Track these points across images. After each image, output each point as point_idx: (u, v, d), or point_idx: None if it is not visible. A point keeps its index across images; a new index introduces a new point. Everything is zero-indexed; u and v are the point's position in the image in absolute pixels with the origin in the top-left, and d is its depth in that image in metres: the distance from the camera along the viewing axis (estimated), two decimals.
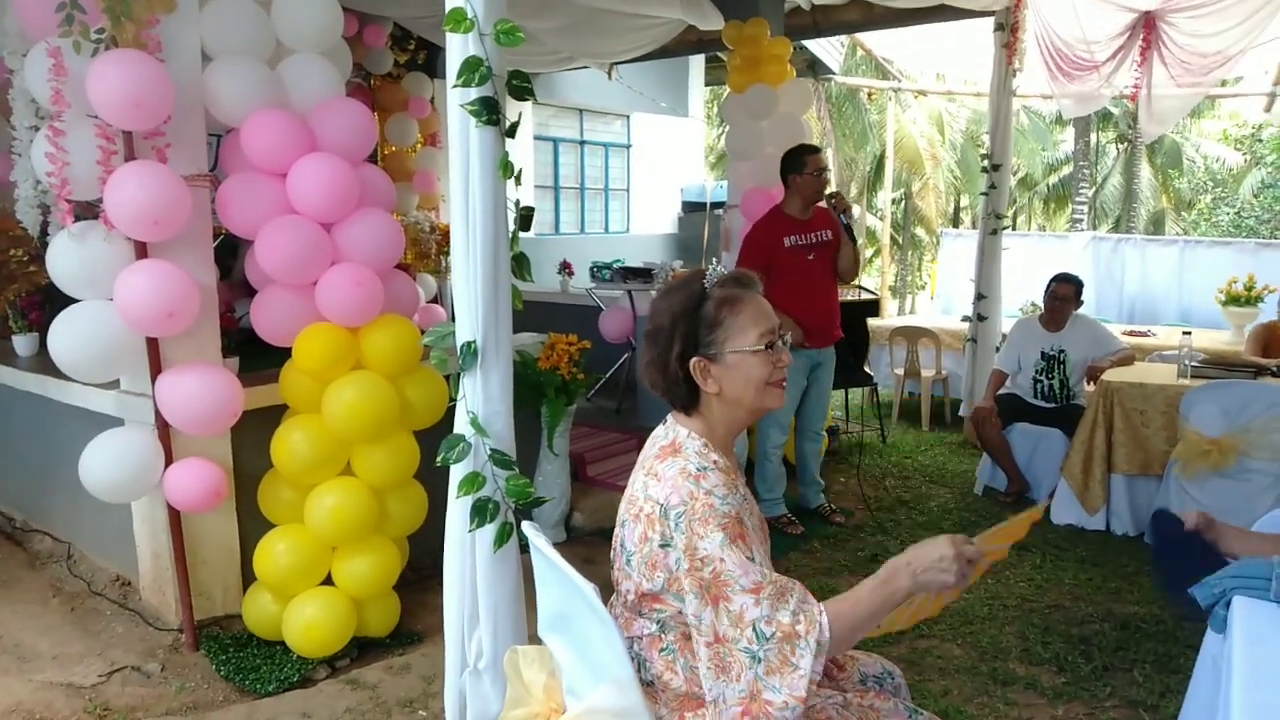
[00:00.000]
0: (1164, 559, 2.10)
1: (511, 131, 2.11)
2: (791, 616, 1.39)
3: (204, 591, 3.19)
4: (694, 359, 1.55)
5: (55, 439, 3.75)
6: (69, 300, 2.92)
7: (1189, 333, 4.84)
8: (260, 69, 3.02)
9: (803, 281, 4.21)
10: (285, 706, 2.84)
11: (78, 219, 2.83)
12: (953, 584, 1.46)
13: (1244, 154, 19.80)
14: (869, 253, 18.90)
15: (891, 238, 15.68)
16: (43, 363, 3.26)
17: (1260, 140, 18.48)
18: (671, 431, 1.61)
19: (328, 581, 3.09)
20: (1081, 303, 4.99)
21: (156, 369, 2.95)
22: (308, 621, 2.97)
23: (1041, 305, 5.09)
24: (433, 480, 2.76)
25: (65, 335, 2.84)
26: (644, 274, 6.30)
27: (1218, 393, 4.02)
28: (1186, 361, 4.43)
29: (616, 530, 1.61)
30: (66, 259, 2.84)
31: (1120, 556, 4.07)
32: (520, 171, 2.18)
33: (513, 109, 2.13)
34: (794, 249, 4.21)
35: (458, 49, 2.02)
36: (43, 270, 3.08)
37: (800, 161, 4.21)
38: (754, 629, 1.38)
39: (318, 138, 3.03)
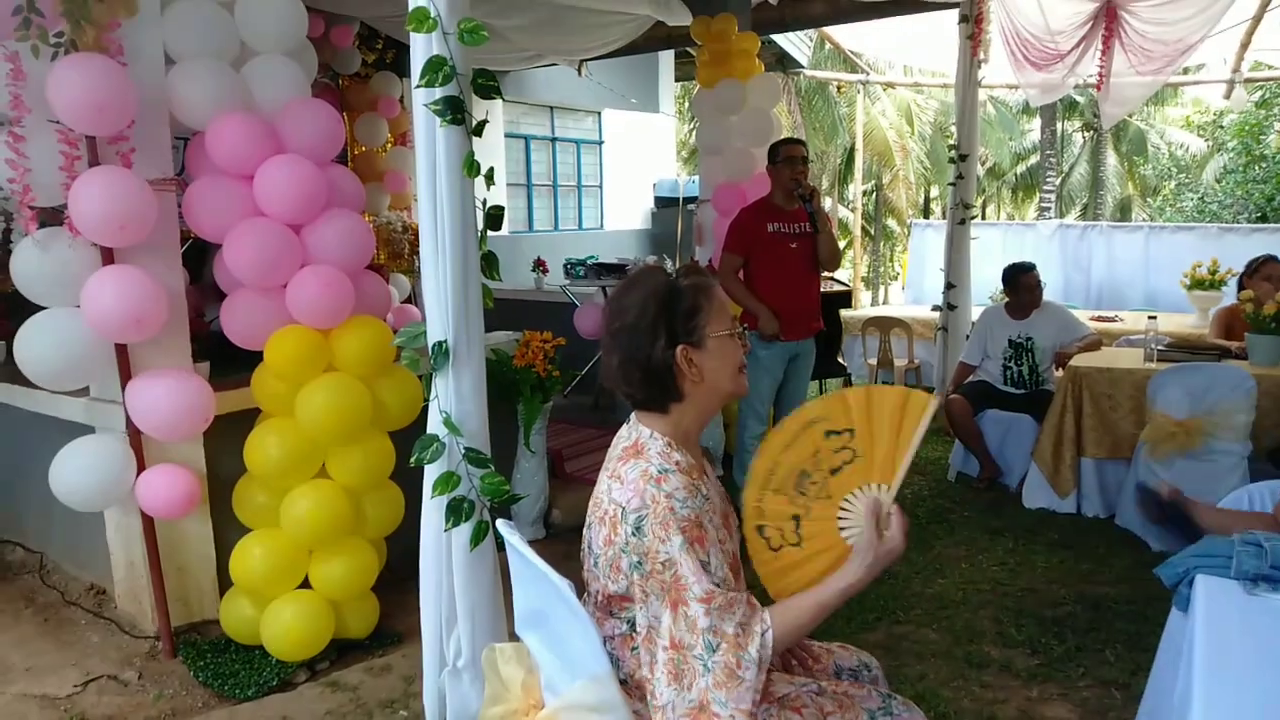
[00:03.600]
0: (1155, 523, 2.24)
1: (478, 130, 2.11)
2: (736, 628, 1.41)
3: (180, 598, 3.17)
4: (680, 347, 1.54)
5: (24, 448, 3.71)
6: (35, 308, 2.88)
7: (1154, 317, 4.90)
8: (224, 71, 3.00)
9: (783, 271, 4.25)
10: (265, 711, 2.83)
11: (42, 225, 2.80)
12: (900, 549, 1.51)
13: (1206, 140, 20.05)
14: (841, 244, 19.00)
15: (863, 229, 15.74)
16: (9, 371, 3.22)
17: (1222, 127, 18.69)
18: (634, 431, 1.60)
19: (305, 584, 3.08)
20: (1043, 286, 5.06)
21: (126, 375, 2.92)
22: (286, 625, 2.96)
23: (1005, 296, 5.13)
24: (409, 480, 2.76)
25: (32, 343, 2.81)
26: (618, 270, 6.30)
27: (1183, 376, 4.08)
28: (1152, 345, 4.49)
29: (585, 531, 1.62)
30: (31, 266, 2.81)
31: (1091, 538, 4.14)
32: (491, 170, 2.18)
33: (482, 107, 2.13)
34: (776, 235, 4.25)
35: (421, 49, 2.01)
36: (6, 278, 3.04)
37: (774, 151, 4.37)
38: (703, 639, 1.41)
39: (284, 139, 3.01)
